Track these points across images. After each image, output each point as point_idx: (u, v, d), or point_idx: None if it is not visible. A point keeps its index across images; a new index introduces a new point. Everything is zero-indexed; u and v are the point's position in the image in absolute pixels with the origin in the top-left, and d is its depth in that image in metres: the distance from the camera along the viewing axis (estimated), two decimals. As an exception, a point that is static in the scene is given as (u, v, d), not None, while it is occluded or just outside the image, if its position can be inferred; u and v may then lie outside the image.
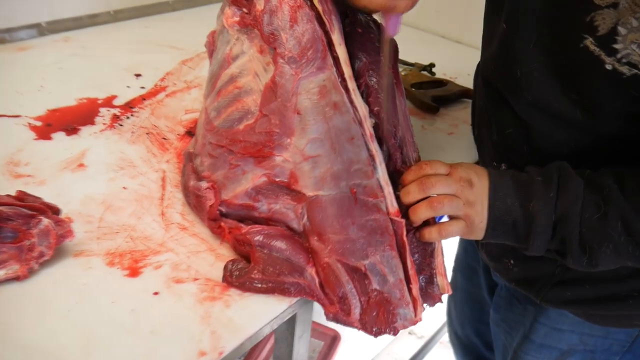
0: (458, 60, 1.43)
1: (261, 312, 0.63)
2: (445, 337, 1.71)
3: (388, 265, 0.64)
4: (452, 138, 1.05)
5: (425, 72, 1.28)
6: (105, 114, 0.98)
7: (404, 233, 0.64)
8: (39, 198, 0.69)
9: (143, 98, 1.04)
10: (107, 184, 0.80)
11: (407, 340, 1.83)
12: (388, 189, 0.65)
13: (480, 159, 0.82)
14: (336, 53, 0.66)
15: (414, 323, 0.65)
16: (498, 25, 0.67)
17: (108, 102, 1.01)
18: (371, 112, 0.68)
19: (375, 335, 0.65)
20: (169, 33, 1.35)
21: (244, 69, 0.72)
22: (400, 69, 1.26)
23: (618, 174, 0.61)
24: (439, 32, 1.60)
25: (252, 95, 0.70)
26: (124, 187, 0.80)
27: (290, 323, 0.74)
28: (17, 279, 0.62)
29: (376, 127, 0.68)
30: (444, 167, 0.65)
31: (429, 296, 0.67)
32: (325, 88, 0.66)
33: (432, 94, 1.15)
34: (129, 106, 1.01)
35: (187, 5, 1.52)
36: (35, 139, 0.88)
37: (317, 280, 0.65)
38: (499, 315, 0.94)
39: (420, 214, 0.63)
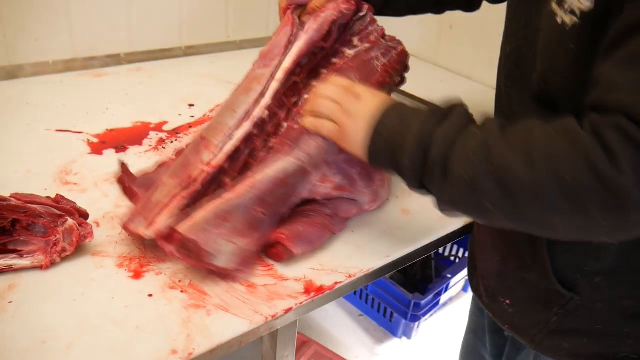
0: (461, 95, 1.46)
1: (238, 325, 0.69)
2: None
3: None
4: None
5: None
6: (154, 137, 1.11)
7: None
8: (73, 202, 0.80)
9: (190, 126, 1.17)
10: (138, 197, 0.91)
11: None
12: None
13: None
14: None
15: None
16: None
17: (158, 127, 1.14)
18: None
19: None
20: (230, 69, 1.48)
21: None
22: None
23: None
24: (456, 69, 1.66)
25: None
26: (151, 202, 0.91)
27: (273, 341, 0.80)
28: (40, 267, 0.73)
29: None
30: (345, 81, 0.73)
31: None
32: None
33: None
34: (175, 132, 1.13)
35: (253, 45, 1.67)
36: (89, 153, 1.02)
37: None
38: None
39: (305, 106, 0.73)
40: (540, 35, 0.63)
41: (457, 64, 1.67)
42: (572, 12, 0.57)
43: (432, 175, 0.62)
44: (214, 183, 0.78)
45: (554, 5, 0.59)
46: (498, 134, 0.58)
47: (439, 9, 1.07)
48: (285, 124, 0.84)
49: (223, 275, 0.74)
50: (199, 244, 0.71)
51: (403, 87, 1.09)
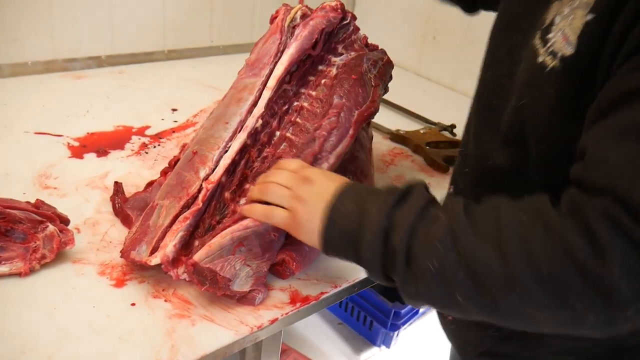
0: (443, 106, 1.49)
1: (223, 335, 0.68)
2: None
3: None
4: (455, 198, 1.08)
5: (445, 132, 1.33)
6: (136, 141, 1.09)
7: None
8: (53, 207, 0.78)
9: (173, 130, 1.15)
10: (120, 203, 0.90)
11: None
12: None
13: None
14: None
15: None
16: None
17: (141, 131, 1.13)
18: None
19: None
20: (213, 74, 1.47)
21: None
22: (420, 127, 1.32)
23: (473, 202, 0.56)
24: (438, 80, 1.70)
25: None
26: (133, 208, 0.89)
27: (258, 351, 0.79)
28: (19, 275, 0.71)
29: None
30: (296, 165, 0.69)
31: None
32: None
33: (444, 153, 1.19)
34: (158, 137, 1.12)
35: (237, 50, 1.65)
36: (70, 157, 1.00)
37: None
38: None
39: (250, 194, 0.70)
40: (520, 68, 0.59)
41: (439, 75, 1.69)
42: (553, 54, 0.53)
43: (394, 265, 0.56)
44: (214, 198, 0.77)
45: (537, 41, 0.56)
46: (463, 219, 0.53)
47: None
48: (277, 133, 0.83)
49: (240, 298, 0.72)
50: (216, 271, 0.68)
51: (385, 97, 1.09)
